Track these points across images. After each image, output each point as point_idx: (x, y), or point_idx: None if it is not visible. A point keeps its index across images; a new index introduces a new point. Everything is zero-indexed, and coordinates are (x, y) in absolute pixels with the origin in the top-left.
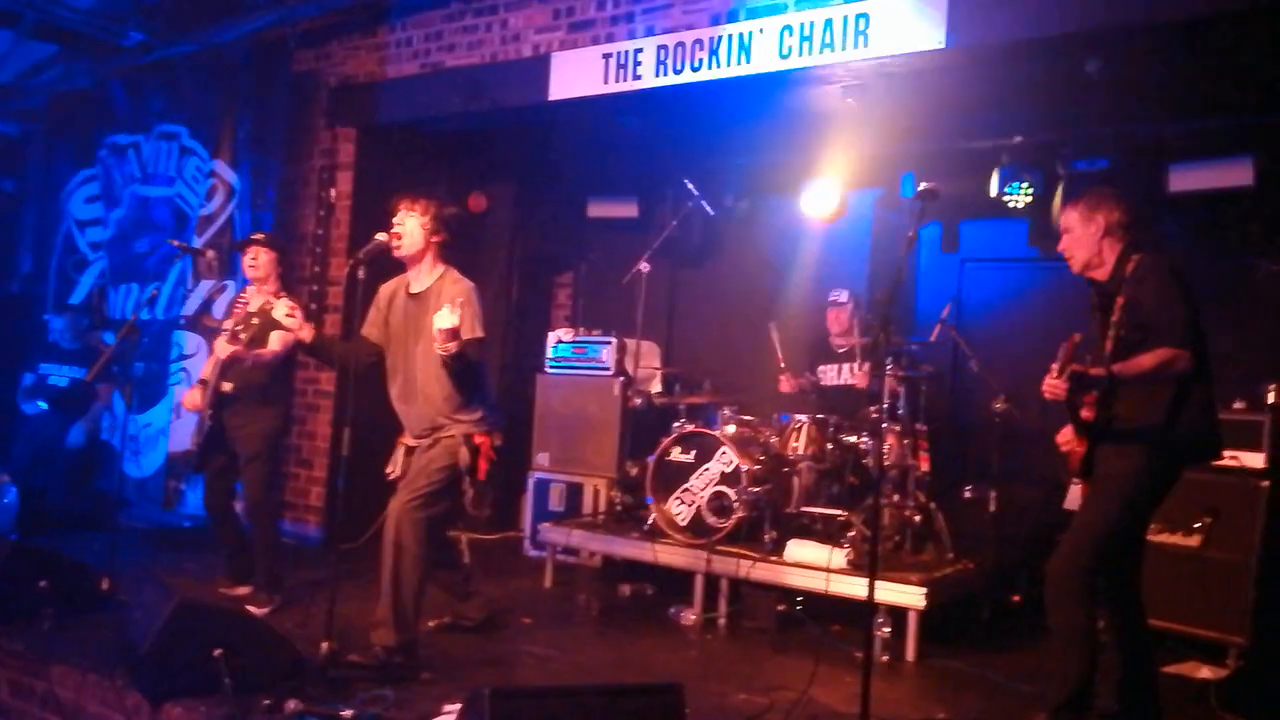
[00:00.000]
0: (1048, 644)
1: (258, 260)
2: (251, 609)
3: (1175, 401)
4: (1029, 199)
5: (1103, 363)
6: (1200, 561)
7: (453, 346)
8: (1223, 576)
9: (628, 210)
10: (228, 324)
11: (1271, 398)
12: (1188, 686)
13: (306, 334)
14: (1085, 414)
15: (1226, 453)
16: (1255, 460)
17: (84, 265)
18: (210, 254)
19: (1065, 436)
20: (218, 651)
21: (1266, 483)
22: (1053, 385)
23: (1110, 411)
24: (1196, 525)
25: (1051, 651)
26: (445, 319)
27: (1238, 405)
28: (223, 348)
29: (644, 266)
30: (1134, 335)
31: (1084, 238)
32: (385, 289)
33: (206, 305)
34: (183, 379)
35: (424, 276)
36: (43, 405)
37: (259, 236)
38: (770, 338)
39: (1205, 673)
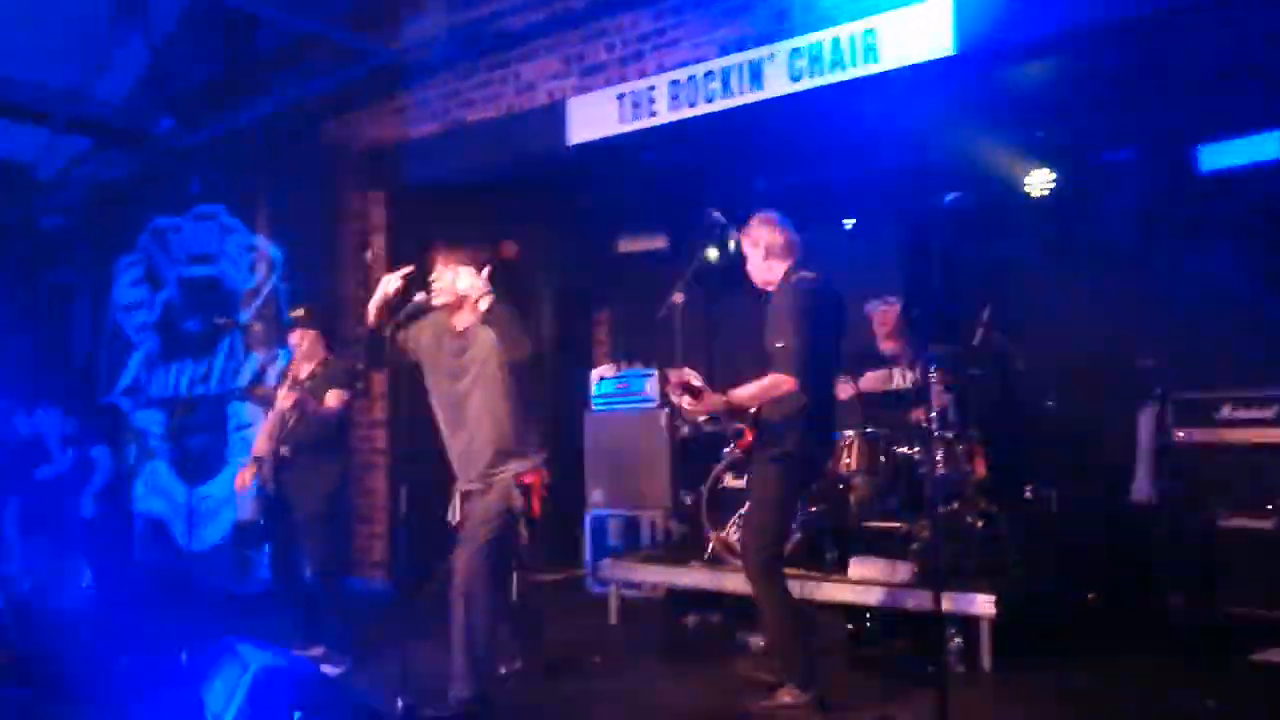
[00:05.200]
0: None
1: (302, 342)
2: (325, 669)
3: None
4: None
5: None
6: (1275, 543)
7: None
8: None
9: (657, 243)
10: (283, 390)
11: None
12: (1274, 673)
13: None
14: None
15: None
16: None
17: (130, 349)
18: (256, 327)
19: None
20: (298, 715)
21: None
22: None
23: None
24: (1269, 506)
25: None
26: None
27: None
28: (283, 398)
29: (678, 298)
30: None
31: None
32: (432, 313)
33: (259, 376)
34: (243, 448)
35: (467, 316)
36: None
37: (300, 314)
38: (871, 317)
39: None
